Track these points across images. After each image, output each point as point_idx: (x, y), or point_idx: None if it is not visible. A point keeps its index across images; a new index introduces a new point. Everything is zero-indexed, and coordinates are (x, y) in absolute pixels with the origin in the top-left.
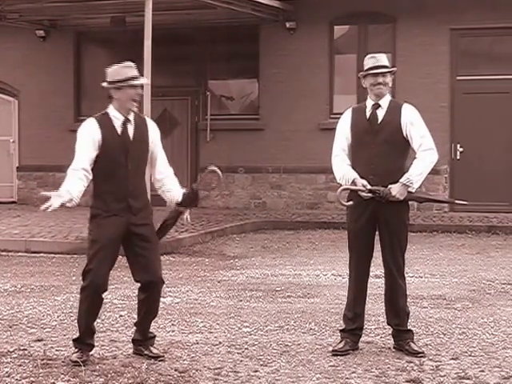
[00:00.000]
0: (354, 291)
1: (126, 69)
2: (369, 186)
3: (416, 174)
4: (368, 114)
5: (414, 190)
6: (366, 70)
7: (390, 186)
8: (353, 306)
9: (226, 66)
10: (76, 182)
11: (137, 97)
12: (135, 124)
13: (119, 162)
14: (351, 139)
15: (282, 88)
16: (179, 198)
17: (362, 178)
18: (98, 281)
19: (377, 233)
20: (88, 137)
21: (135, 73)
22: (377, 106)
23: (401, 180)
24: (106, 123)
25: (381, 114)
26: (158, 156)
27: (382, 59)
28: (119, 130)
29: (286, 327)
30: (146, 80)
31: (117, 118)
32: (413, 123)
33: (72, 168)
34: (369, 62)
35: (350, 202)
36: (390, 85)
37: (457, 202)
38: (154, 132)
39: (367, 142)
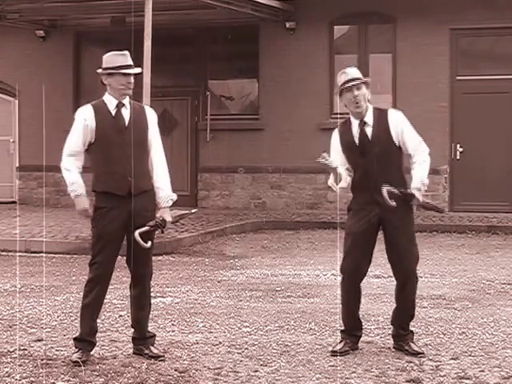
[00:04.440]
0: (347, 295)
1: (120, 57)
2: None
3: (425, 176)
4: (357, 136)
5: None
6: (340, 86)
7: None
8: (348, 307)
9: (225, 66)
10: (79, 178)
11: (128, 84)
12: (132, 109)
13: (115, 143)
14: (347, 159)
15: (282, 88)
16: (164, 204)
17: (368, 200)
18: (105, 274)
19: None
20: (81, 120)
21: (128, 61)
22: (363, 123)
23: (416, 186)
24: (100, 107)
25: (369, 131)
26: (152, 144)
27: (352, 72)
28: (113, 112)
29: (286, 327)
30: (138, 70)
31: (111, 103)
32: (403, 130)
33: (68, 154)
34: (339, 78)
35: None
36: (369, 97)
37: (440, 209)
38: (152, 119)
39: (363, 164)
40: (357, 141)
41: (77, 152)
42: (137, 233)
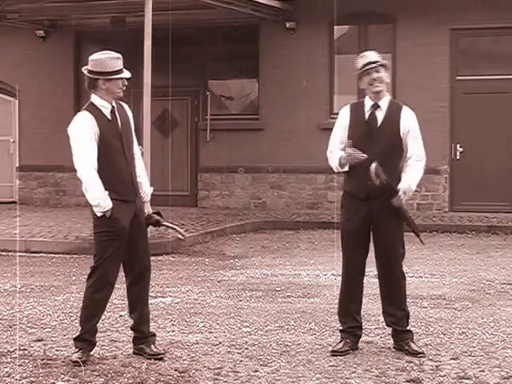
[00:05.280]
0: (346, 291)
1: (117, 61)
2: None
3: (414, 183)
4: (367, 115)
5: (407, 197)
6: (359, 69)
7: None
8: (346, 305)
9: (225, 66)
10: (103, 190)
11: (124, 87)
12: (118, 110)
13: (117, 149)
14: (349, 138)
15: (282, 88)
16: (148, 198)
17: (359, 186)
18: (112, 274)
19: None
20: (89, 130)
21: (122, 64)
22: (376, 106)
23: (402, 187)
24: (97, 113)
25: (380, 116)
26: (133, 139)
27: (372, 56)
28: (109, 117)
29: (286, 327)
30: (129, 74)
31: (104, 107)
32: (411, 130)
33: (90, 168)
34: (359, 61)
35: (378, 180)
36: (387, 81)
37: (420, 238)
38: (130, 116)
39: (365, 146)
40: (365, 122)
41: (95, 168)
42: (175, 226)
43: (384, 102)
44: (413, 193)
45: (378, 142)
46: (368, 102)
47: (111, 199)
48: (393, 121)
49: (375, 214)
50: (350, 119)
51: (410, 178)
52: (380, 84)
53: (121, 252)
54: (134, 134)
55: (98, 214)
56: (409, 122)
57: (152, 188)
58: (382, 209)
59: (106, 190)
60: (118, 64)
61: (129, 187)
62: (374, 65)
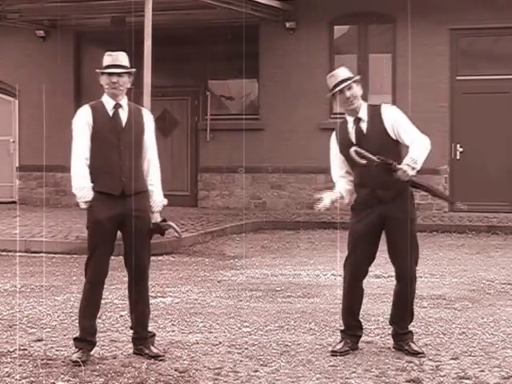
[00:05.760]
0: (350, 291)
1: (109, 57)
2: (380, 158)
3: (417, 155)
4: (352, 132)
5: (415, 173)
6: (331, 89)
7: (399, 166)
8: (349, 305)
9: (225, 65)
10: (88, 181)
11: (112, 84)
12: (129, 110)
13: (111, 143)
14: (346, 161)
15: (282, 88)
16: (157, 208)
17: (370, 196)
18: (100, 273)
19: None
20: (83, 122)
21: (116, 62)
22: (357, 120)
23: (405, 161)
24: (98, 108)
25: (364, 126)
26: (148, 147)
27: (341, 74)
28: (110, 113)
29: (286, 327)
30: (120, 70)
31: (108, 103)
32: (398, 123)
33: (78, 158)
34: (329, 81)
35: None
36: (361, 93)
37: (457, 204)
38: (148, 122)
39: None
40: (353, 137)
41: (87, 158)
42: (173, 224)
43: (363, 113)
44: (420, 163)
45: (370, 150)
46: (350, 120)
47: (96, 191)
48: (377, 126)
49: (388, 217)
50: (337, 142)
51: (414, 152)
52: (354, 101)
53: (105, 246)
54: (150, 139)
55: (81, 206)
56: (392, 117)
57: (166, 200)
58: (395, 211)
59: (93, 181)
60: (107, 60)
61: (116, 182)
62: (346, 83)
